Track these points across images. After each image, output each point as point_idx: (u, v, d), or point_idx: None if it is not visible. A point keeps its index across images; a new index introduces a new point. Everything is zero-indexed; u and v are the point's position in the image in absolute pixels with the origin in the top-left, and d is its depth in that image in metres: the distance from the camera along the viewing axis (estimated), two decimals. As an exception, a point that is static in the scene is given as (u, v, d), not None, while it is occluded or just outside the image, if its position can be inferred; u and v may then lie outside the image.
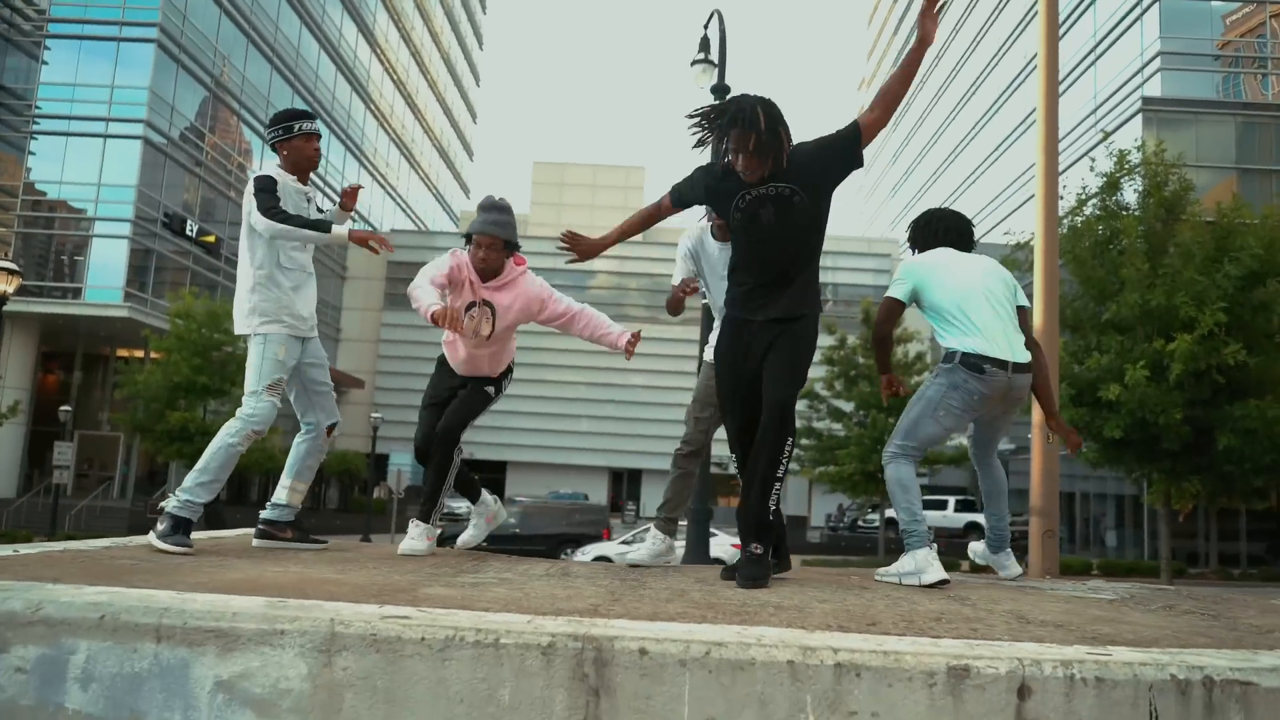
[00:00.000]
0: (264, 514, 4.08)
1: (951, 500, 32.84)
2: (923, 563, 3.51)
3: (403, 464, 33.45)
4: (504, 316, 4.18)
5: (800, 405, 28.60)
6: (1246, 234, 12.12)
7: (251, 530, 4.15)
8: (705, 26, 13.16)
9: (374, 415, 32.10)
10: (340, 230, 3.85)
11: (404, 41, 53.31)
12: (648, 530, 4.37)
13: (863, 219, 71.63)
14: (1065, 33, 35.71)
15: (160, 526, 3.55)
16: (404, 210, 55.48)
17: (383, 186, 51.96)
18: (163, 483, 33.16)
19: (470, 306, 4.13)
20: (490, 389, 4.34)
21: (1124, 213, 12.95)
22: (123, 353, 32.39)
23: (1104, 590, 3.74)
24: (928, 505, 33.71)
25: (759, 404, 3.26)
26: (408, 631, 1.86)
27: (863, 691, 1.84)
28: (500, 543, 17.28)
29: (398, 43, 52.38)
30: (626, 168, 62.15)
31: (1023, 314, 3.93)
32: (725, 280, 4.03)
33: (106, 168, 30.55)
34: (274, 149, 4.08)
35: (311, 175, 4.23)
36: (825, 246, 3.56)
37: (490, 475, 54.94)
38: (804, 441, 30.39)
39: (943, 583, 3.47)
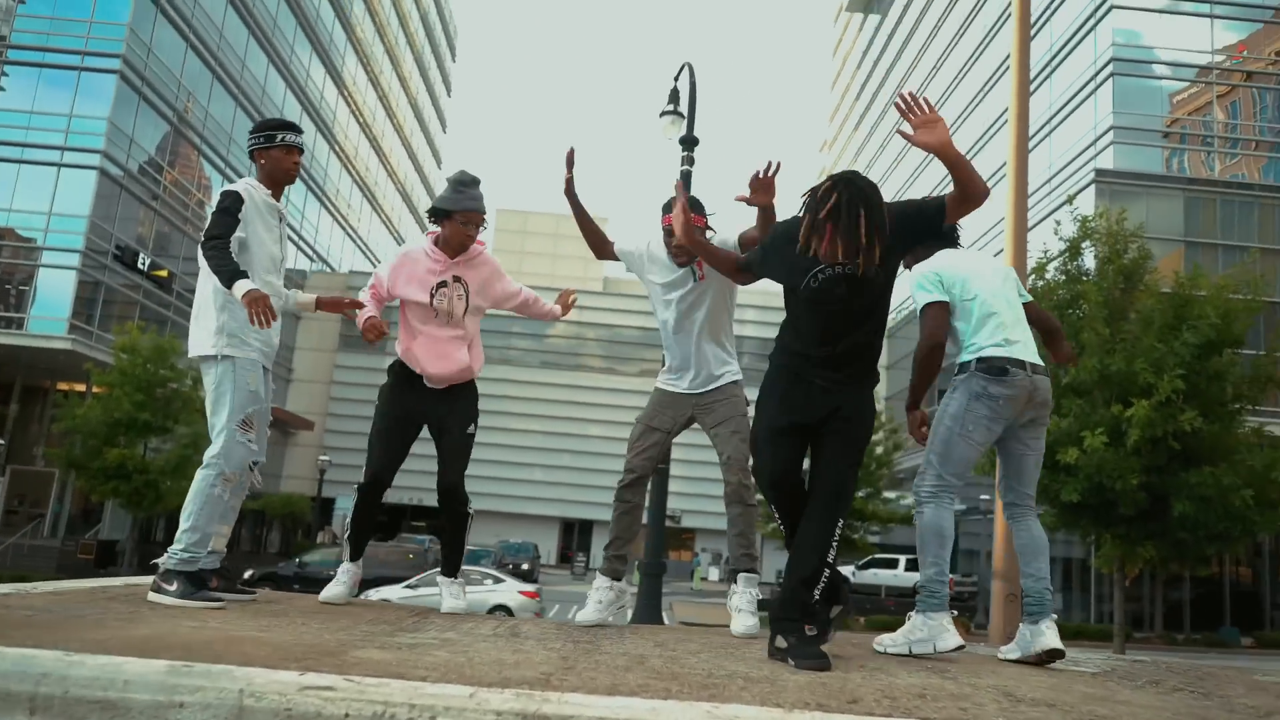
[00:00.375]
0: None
1: (903, 560, 32.71)
2: (938, 629, 3.20)
3: (349, 508, 32.58)
4: (476, 293, 4.00)
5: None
6: (1204, 303, 12.29)
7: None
8: (675, 79, 13.20)
9: (321, 458, 31.35)
10: (243, 285, 3.32)
11: (371, 85, 53.32)
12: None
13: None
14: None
15: (172, 586, 3.28)
16: (364, 252, 55.05)
17: (343, 228, 51.54)
18: (97, 522, 32.00)
19: (440, 286, 3.89)
20: (472, 427, 4.08)
21: (1085, 278, 13.09)
22: (63, 386, 31.39)
23: (1084, 663, 3.55)
24: (881, 564, 33.58)
25: (798, 459, 3.11)
26: (329, 707, 1.61)
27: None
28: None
29: (365, 85, 52.37)
30: (596, 219, 62.31)
31: (1030, 307, 3.69)
32: (671, 301, 3.83)
33: (59, 197, 29.87)
34: (251, 157, 3.84)
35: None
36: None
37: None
38: (757, 496, 30.18)
39: (959, 648, 3.23)
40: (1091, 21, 33.03)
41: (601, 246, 4.21)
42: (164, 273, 33.80)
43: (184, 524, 3.45)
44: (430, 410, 3.98)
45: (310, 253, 47.40)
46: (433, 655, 2.32)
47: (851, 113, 63.69)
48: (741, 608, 3.74)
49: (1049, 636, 3.36)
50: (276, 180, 3.81)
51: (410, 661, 2.16)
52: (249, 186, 3.71)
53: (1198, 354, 11.86)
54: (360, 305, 3.96)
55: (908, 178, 48.34)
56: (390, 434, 3.95)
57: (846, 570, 35.25)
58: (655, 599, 11.91)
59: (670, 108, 12.87)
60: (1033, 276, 12.96)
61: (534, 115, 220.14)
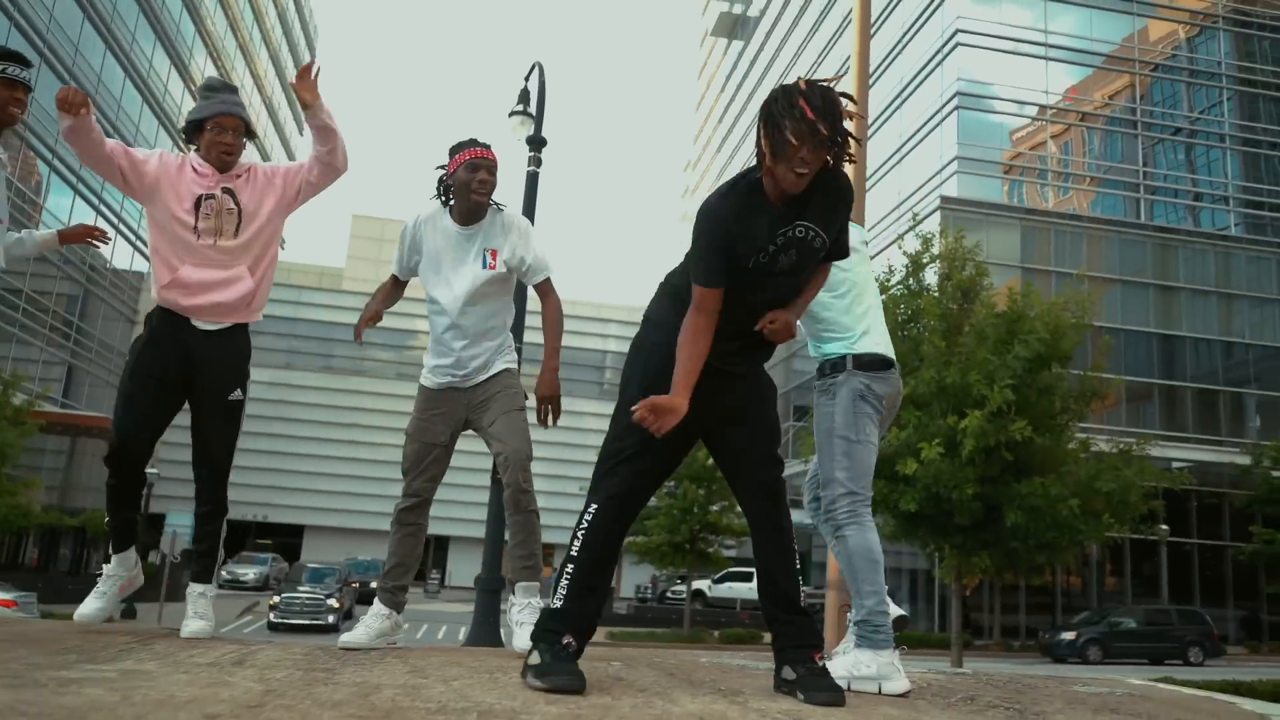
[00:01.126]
0: None
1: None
2: (888, 668, 2.78)
3: (180, 524, 30.49)
4: (254, 215, 3.30)
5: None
6: (1034, 320, 12.75)
7: None
8: (526, 79, 12.84)
9: (149, 470, 29.17)
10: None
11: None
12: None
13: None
14: (876, 130, 38.09)
15: None
16: (209, 255, 52.22)
17: (186, 228, 48.76)
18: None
19: (202, 200, 3.21)
20: (239, 392, 3.38)
21: (925, 293, 13.40)
22: None
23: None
24: (737, 577, 33.82)
25: (679, 456, 2.64)
26: None
27: None
28: None
29: (214, 81, 49.81)
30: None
31: None
32: (455, 286, 3.40)
33: None
34: None
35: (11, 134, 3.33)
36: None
37: (286, 540, 51.48)
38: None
39: (906, 694, 2.76)
40: (939, 56, 34.55)
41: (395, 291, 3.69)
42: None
43: None
44: (192, 359, 3.28)
45: (146, 253, 44.59)
46: (79, 695, 1.80)
47: (714, 136, 64.83)
48: (523, 621, 3.31)
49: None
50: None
51: (30, 705, 1.65)
52: None
53: (1028, 367, 12.28)
54: (102, 234, 3.65)
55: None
56: (146, 390, 3.26)
57: (702, 584, 35.51)
58: (493, 617, 11.33)
59: (520, 108, 12.49)
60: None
61: (394, 119, 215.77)
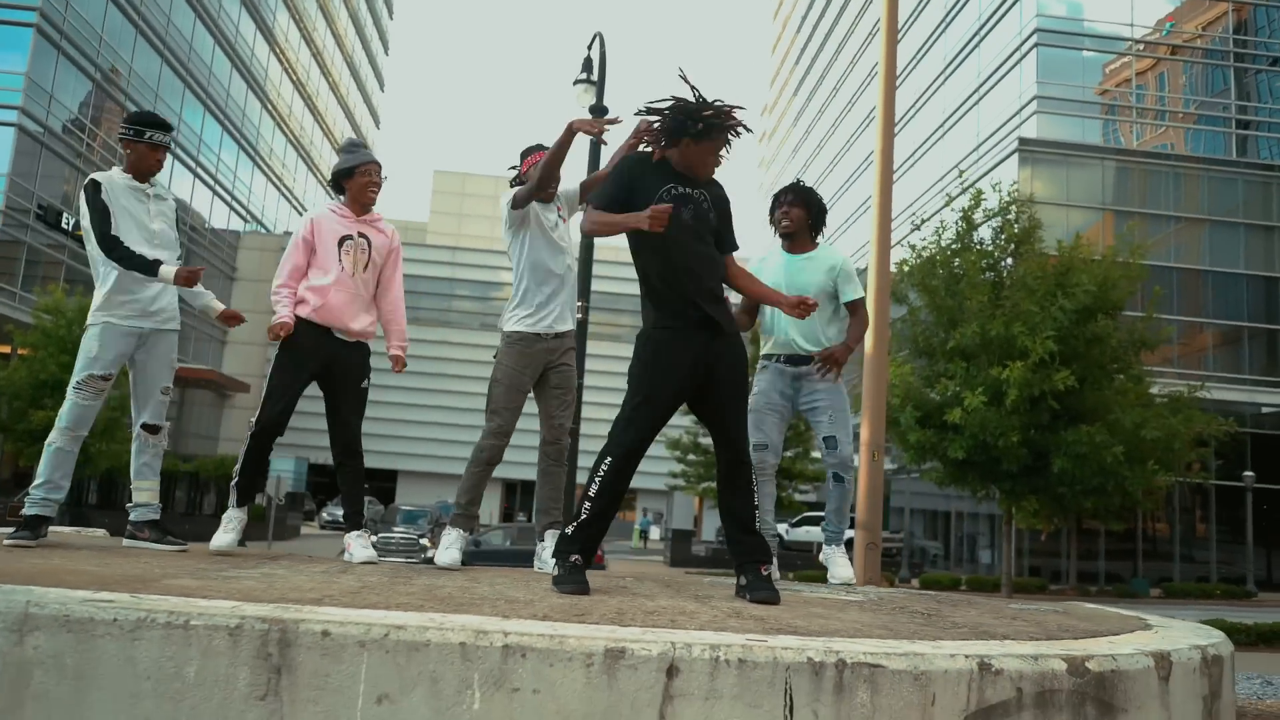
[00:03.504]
0: (130, 515, 4.21)
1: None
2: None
3: (284, 469, 32.65)
4: (378, 253, 4.28)
5: (688, 420, 29.16)
6: (1081, 272, 13.00)
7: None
8: (589, 47, 13.44)
9: (251, 421, 31.18)
10: (165, 270, 3.97)
11: (305, 42, 52.33)
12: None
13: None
14: (953, 71, 37.42)
15: (18, 530, 3.81)
16: (299, 211, 54.33)
17: (278, 187, 50.83)
18: (28, 483, 31.66)
19: (344, 240, 4.18)
20: (367, 382, 4.31)
21: (977, 246, 13.75)
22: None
23: (857, 594, 4.06)
24: (813, 521, 34.63)
25: (673, 410, 3.38)
26: (101, 613, 2.00)
27: (526, 670, 2.06)
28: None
29: (299, 43, 51.38)
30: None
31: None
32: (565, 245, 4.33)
33: (-25, 154, 29.19)
34: (120, 145, 4.20)
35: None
36: None
37: (382, 484, 54.06)
38: (690, 457, 30.89)
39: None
40: (1017, -8, 33.70)
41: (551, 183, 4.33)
42: (89, 233, 33.19)
43: (36, 479, 4.02)
44: (331, 363, 4.15)
45: (244, 213, 46.77)
46: (239, 584, 2.72)
47: (791, 77, 64.09)
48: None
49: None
50: (141, 172, 4.19)
51: (211, 588, 2.56)
52: (107, 176, 4.12)
53: (1075, 319, 12.60)
54: (238, 317, 4.48)
55: (846, 140, 49.01)
56: (291, 383, 4.10)
57: (781, 528, 36.40)
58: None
59: (584, 76, 13.13)
60: (930, 245, 13.59)
61: (473, 76, 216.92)
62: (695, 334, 3.27)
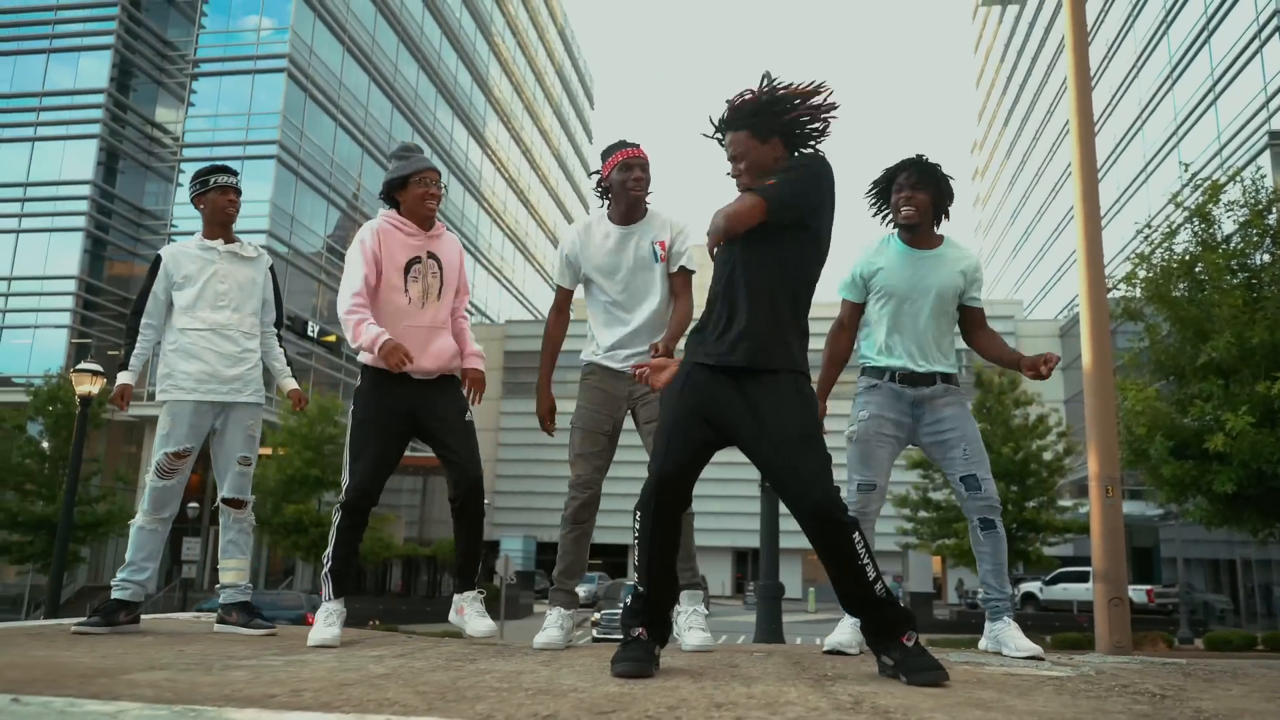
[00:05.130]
0: (219, 598, 3.90)
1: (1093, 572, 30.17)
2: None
3: (512, 549, 33.39)
4: (450, 269, 3.68)
5: (914, 475, 27.17)
6: (1364, 260, 10.86)
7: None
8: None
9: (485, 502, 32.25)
10: (120, 377, 3.87)
11: (514, 141, 55.43)
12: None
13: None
14: (1184, 70, 34.12)
15: (94, 616, 3.60)
16: (520, 300, 56.96)
17: (498, 280, 53.54)
18: (290, 572, 34.13)
19: (412, 264, 3.57)
20: (470, 414, 3.68)
21: (1220, 247, 11.80)
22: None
23: (1063, 667, 3.06)
24: (1070, 578, 31.18)
25: (699, 461, 2.63)
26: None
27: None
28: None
29: (508, 143, 54.50)
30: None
31: None
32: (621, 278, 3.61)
33: (235, 279, 32.52)
34: (195, 205, 4.00)
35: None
36: None
37: (612, 559, 54.47)
38: (921, 514, 28.84)
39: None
40: (1249, -26, 30.28)
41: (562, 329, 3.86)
42: (332, 338, 36.06)
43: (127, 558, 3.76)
44: (418, 407, 3.56)
45: (468, 308, 49.46)
46: (225, 676, 2.22)
47: (1000, 109, 60.94)
48: (693, 625, 3.46)
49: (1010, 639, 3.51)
50: (218, 220, 3.98)
51: (168, 682, 2.07)
52: (175, 248, 3.95)
53: (1363, 315, 10.45)
54: (303, 401, 4.31)
55: (1065, 168, 45.59)
56: (375, 442, 3.50)
57: (1033, 586, 33.12)
58: (775, 621, 11.48)
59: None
60: (1159, 250, 11.85)
61: (674, 147, 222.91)
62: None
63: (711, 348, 2.61)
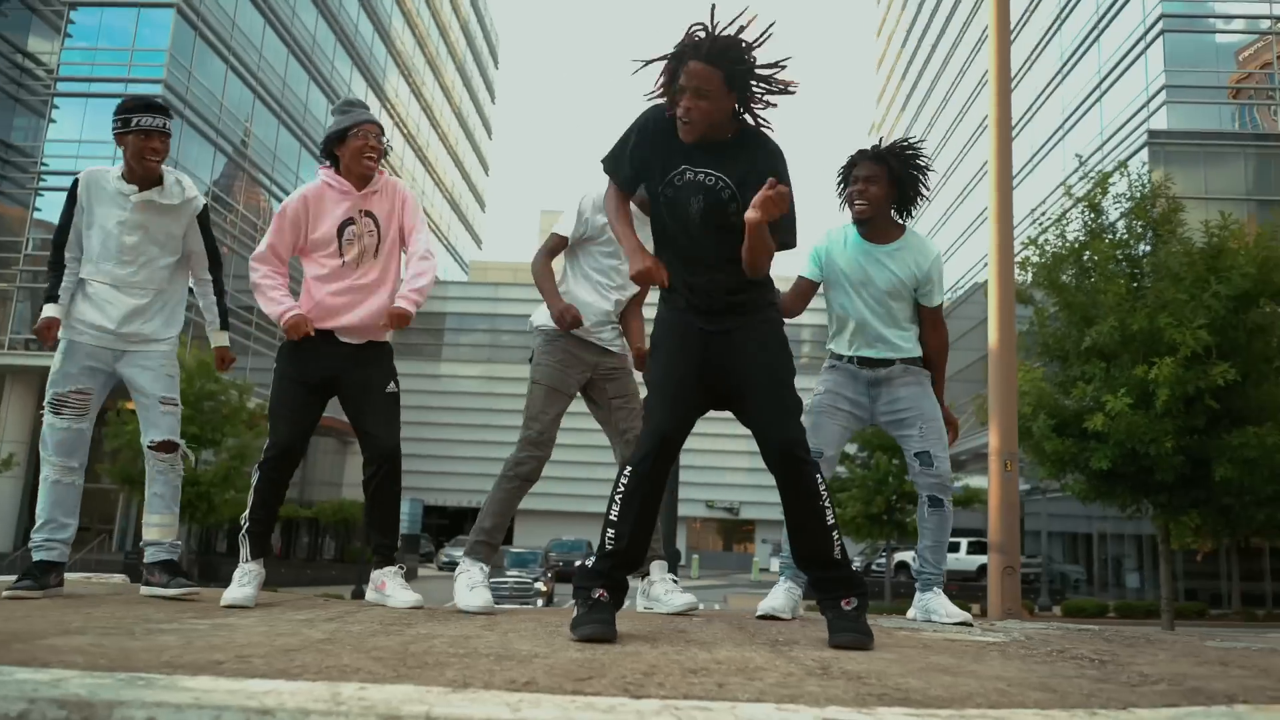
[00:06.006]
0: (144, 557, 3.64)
1: (964, 542, 31.64)
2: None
3: (403, 513, 32.93)
4: (387, 224, 3.54)
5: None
6: (1236, 253, 11.53)
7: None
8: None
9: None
10: (45, 310, 3.57)
11: (414, 96, 53.86)
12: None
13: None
14: (1073, 66, 35.52)
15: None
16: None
17: (392, 238, 52.15)
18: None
19: (346, 225, 3.45)
20: (393, 385, 3.60)
21: (1107, 237, 12.39)
22: (122, 406, 32.28)
23: (995, 633, 3.14)
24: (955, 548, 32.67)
25: (689, 420, 2.63)
26: None
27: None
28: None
29: (408, 98, 52.92)
30: (634, 217, 62.18)
31: None
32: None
33: (109, 222, 30.71)
34: (116, 142, 3.60)
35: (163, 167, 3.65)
36: None
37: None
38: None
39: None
40: (1138, -24, 31.68)
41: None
42: (214, 291, 34.52)
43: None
44: (342, 371, 3.49)
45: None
46: (153, 640, 2.05)
47: (898, 94, 62.43)
48: (671, 590, 3.57)
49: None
50: (138, 170, 3.59)
51: (94, 647, 1.90)
52: (98, 173, 3.62)
53: (1232, 307, 11.12)
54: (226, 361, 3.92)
55: (959, 151, 47.10)
56: (295, 400, 3.46)
57: (906, 556, 34.49)
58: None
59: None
60: (1026, 249, 12.39)
61: (578, 115, 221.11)
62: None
63: (702, 301, 2.59)
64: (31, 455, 31.98)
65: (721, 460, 50.05)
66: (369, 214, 3.50)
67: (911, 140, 3.60)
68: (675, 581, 3.69)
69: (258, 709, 1.33)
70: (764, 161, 2.52)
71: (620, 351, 3.72)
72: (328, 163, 3.56)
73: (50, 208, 31.54)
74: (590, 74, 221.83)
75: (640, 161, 2.62)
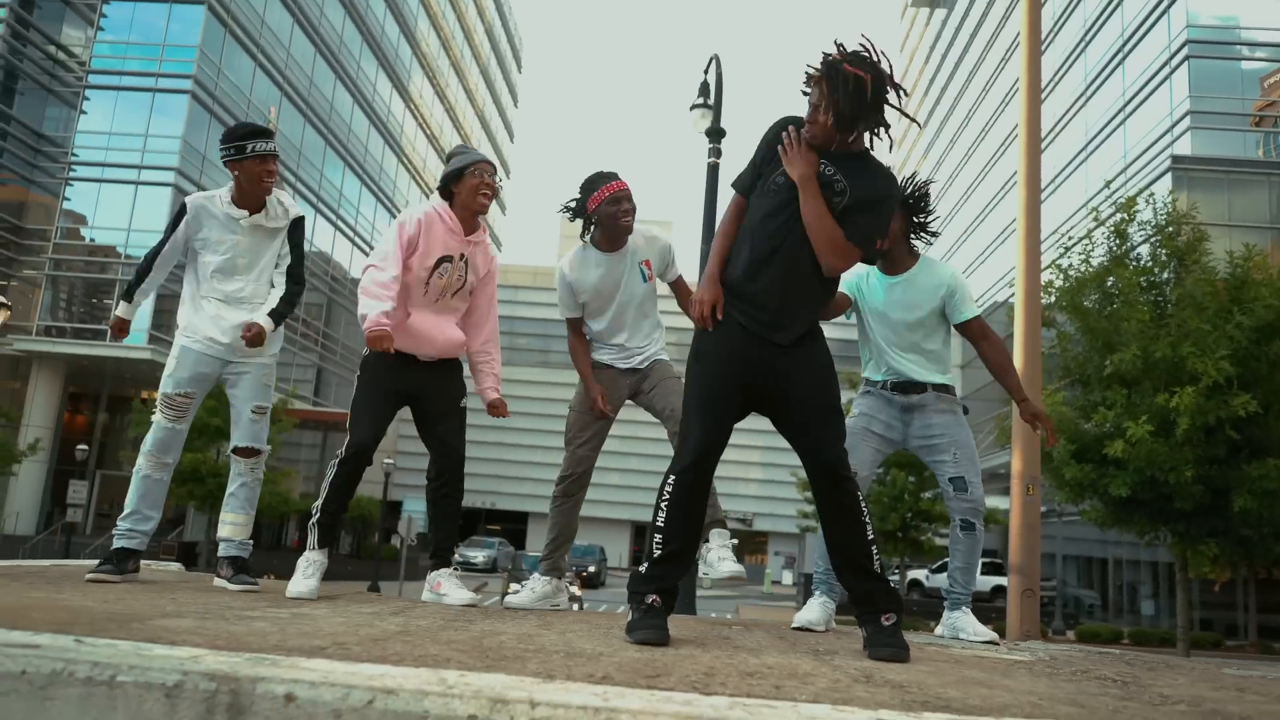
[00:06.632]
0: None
1: (979, 562, 31.58)
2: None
3: (415, 510, 33.10)
4: (475, 278, 3.80)
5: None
6: (1259, 285, 11.61)
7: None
8: (705, 71, 13.03)
9: (386, 461, 31.84)
10: (120, 309, 3.88)
11: (438, 98, 54.28)
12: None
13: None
14: (1097, 89, 35.52)
15: (102, 562, 3.70)
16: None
17: (413, 238, 52.49)
18: (181, 524, 33.16)
19: (442, 261, 3.65)
20: (465, 401, 3.88)
21: (1131, 264, 12.48)
22: (146, 395, 32.60)
23: (1021, 651, 3.29)
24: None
25: (730, 424, 2.74)
26: (9, 663, 1.53)
27: (563, 757, 1.46)
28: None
29: (432, 99, 53.33)
30: (653, 222, 62.39)
31: None
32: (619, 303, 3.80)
33: (137, 213, 31.11)
34: (228, 169, 3.79)
35: (274, 198, 3.86)
36: None
37: (512, 525, 54.53)
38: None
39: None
40: (1164, 4, 31.71)
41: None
42: (238, 285, 34.86)
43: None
44: (424, 386, 3.75)
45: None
46: (248, 626, 2.23)
47: (920, 109, 62.44)
48: (724, 557, 3.64)
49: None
50: (251, 195, 3.79)
51: (204, 630, 2.07)
52: (204, 200, 3.81)
53: (1254, 338, 11.19)
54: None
55: (984, 164, 47.12)
56: (378, 404, 3.67)
57: (919, 574, 34.50)
58: (689, 595, 11.67)
59: (700, 100, 12.70)
60: (1049, 272, 12.48)
61: (600, 121, 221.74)
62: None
63: (753, 314, 2.67)
64: (56, 440, 32.39)
65: (735, 471, 50.14)
66: (465, 260, 3.74)
67: (918, 182, 3.76)
68: (727, 549, 3.78)
69: (382, 689, 1.49)
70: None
71: (655, 357, 3.91)
72: (438, 196, 3.78)
73: (79, 198, 32.02)
74: (611, 80, 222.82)
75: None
